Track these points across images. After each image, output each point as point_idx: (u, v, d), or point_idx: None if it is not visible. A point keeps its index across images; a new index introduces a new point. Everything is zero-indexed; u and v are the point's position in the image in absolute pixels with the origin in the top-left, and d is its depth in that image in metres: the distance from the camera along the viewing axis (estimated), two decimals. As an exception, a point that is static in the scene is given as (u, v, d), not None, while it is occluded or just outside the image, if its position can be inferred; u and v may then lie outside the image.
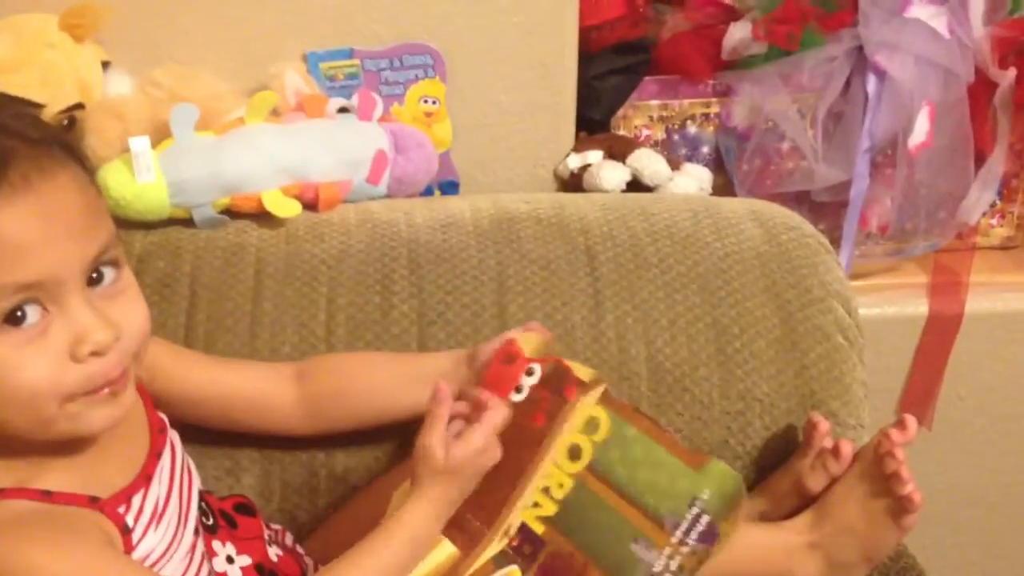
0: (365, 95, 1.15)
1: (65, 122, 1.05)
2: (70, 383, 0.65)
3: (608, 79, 1.25)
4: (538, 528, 0.76)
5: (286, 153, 1.05)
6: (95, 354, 0.65)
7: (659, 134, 1.30)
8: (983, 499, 1.43)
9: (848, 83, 1.25)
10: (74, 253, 0.65)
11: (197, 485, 0.80)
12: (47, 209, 0.63)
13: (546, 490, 0.77)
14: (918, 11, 1.25)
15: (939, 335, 1.30)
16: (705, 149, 1.31)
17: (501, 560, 0.75)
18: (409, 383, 0.88)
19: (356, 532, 0.75)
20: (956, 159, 1.28)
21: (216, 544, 0.78)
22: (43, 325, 0.64)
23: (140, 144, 0.97)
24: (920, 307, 1.30)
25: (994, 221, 1.37)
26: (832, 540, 0.89)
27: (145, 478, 0.74)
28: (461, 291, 1.02)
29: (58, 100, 1.03)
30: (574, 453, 0.78)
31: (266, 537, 0.84)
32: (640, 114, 1.29)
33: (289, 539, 0.89)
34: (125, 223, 1.00)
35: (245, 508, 0.85)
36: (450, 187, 1.25)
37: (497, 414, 0.76)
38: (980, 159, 1.29)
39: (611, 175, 1.19)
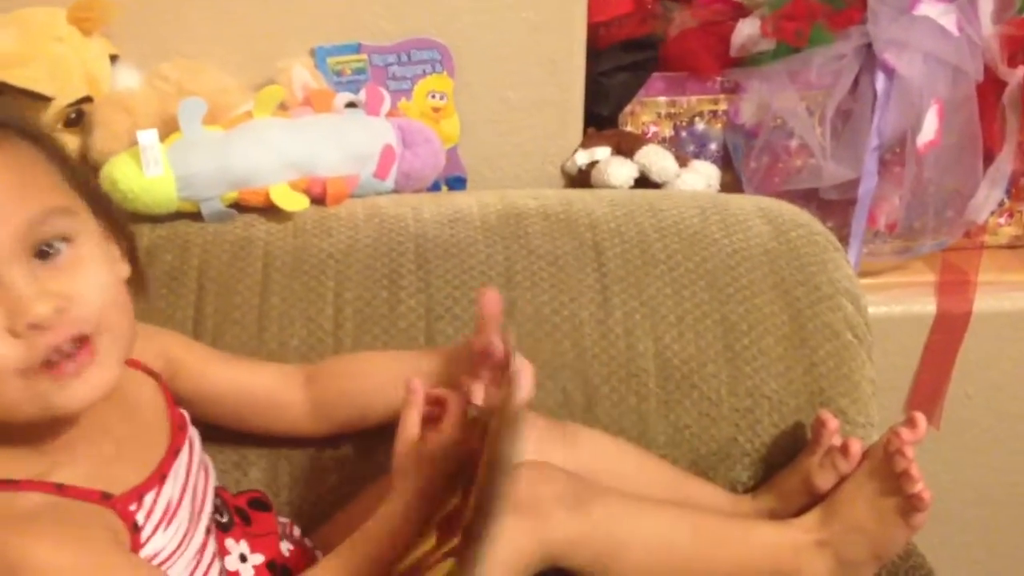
0: (373, 90, 1.14)
1: (73, 115, 1.04)
2: (15, 358, 0.64)
3: (616, 75, 1.25)
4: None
5: (294, 147, 1.04)
6: (36, 327, 0.64)
7: (667, 131, 1.30)
8: (990, 497, 1.42)
9: (857, 81, 1.25)
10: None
11: (213, 483, 0.80)
12: None
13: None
14: (927, 8, 1.25)
15: (947, 334, 1.30)
16: (713, 146, 1.31)
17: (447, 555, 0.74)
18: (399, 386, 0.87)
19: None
20: (965, 157, 1.27)
21: (229, 542, 0.78)
22: None
23: (148, 137, 0.97)
24: (928, 306, 1.30)
25: (1002, 220, 1.37)
26: (841, 538, 0.89)
27: (160, 476, 0.74)
28: (469, 286, 1.02)
29: (66, 93, 1.03)
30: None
31: (278, 532, 0.84)
32: (648, 111, 1.29)
33: (297, 532, 0.89)
34: (133, 216, 1.00)
35: (260, 503, 0.85)
36: (457, 182, 1.24)
37: (455, 404, 0.77)
38: (989, 157, 1.28)
39: (619, 171, 1.19)
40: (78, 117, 1.05)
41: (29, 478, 0.67)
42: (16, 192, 0.66)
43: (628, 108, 1.28)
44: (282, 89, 1.08)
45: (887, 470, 0.88)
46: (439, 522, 0.74)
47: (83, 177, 0.74)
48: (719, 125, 1.30)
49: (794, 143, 1.26)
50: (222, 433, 0.91)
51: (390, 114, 1.15)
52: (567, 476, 0.83)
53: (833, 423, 0.93)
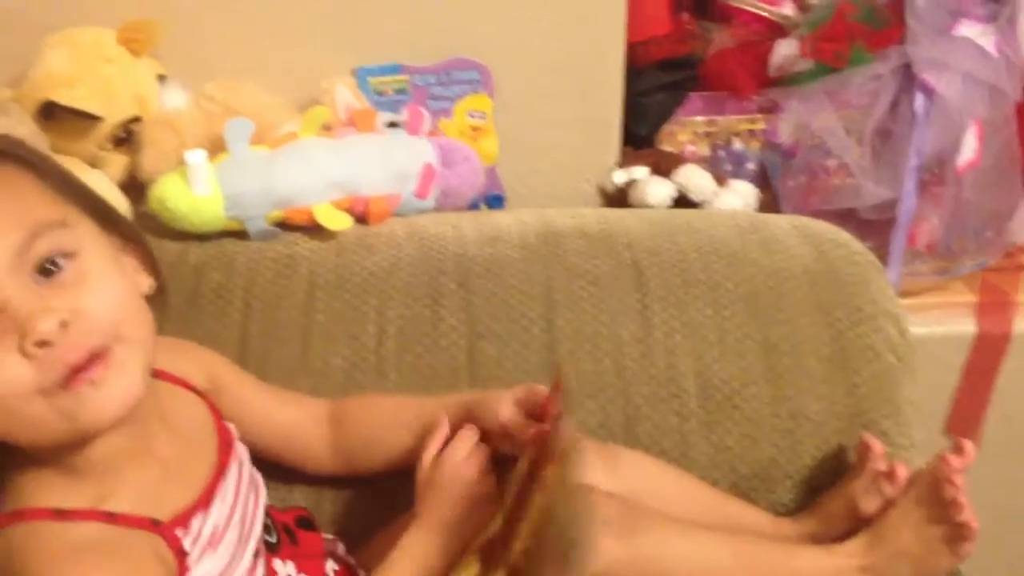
0: (414, 110, 1.15)
1: (123, 135, 1.06)
2: (30, 378, 0.64)
3: (654, 95, 1.26)
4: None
5: (337, 167, 1.06)
6: (44, 344, 0.64)
7: (704, 150, 1.31)
8: (1032, 520, 1.42)
9: (895, 101, 1.25)
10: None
11: (263, 501, 0.81)
12: None
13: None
14: (966, 29, 1.25)
15: (987, 354, 1.29)
16: (750, 165, 1.31)
17: None
18: (419, 430, 0.88)
19: None
20: (1004, 177, 1.27)
21: (277, 563, 0.79)
22: None
23: (197, 157, 0.99)
24: (968, 326, 1.29)
25: (1042, 240, 1.37)
26: (885, 565, 0.88)
27: (207, 499, 0.74)
28: (509, 305, 1.02)
29: (116, 113, 1.04)
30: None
31: (324, 551, 0.84)
32: (685, 130, 1.30)
33: (341, 549, 0.90)
34: (180, 234, 1.01)
35: (306, 522, 0.86)
36: (496, 201, 1.25)
37: (470, 434, 0.81)
38: (1028, 178, 1.28)
39: (657, 191, 1.19)
40: (127, 137, 1.07)
41: (81, 507, 0.68)
42: (7, 213, 0.66)
43: (666, 127, 1.29)
44: (327, 110, 1.09)
45: (934, 497, 0.87)
46: (480, 548, 0.75)
47: (84, 192, 0.74)
48: (757, 144, 1.31)
49: (832, 162, 1.27)
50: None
51: (430, 133, 1.16)
52: (614, 502, 0.83)
53: (878, 447, 0.93)
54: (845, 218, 1.28)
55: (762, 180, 1.31)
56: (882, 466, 0.92)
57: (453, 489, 0.79)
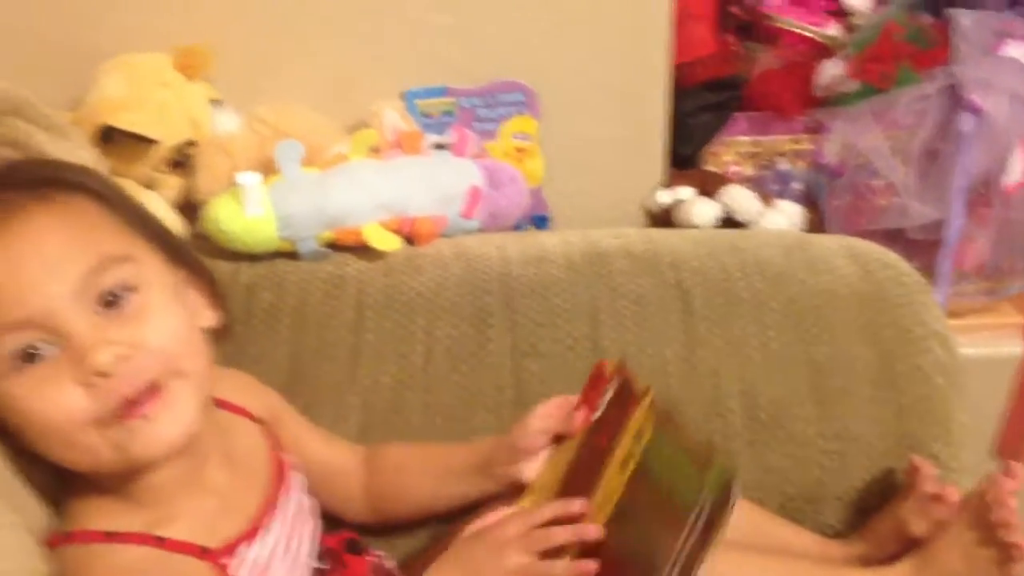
0: (460, 132, 1.17)
1: (178, 158, 1.08)
2: (86, 409, 0.66)
3: (699, 115, 1.26)
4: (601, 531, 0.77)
5: (386, 188, 1.07)
6: (101, 375, 0.65)
7: (749, 170, 1.31)
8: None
9: (942, 121, 1.24)
10: (52, 283, 0.66)
11: (315, 529, 0.81)
12: (11, 250, 0.66)
13: (604, 499, 0.78)
14: (1012, 50, 1.24)
15: (1036, 376, 1.28)
16: (796, 185, 1.31)
17: None
18: (442, 476, 0.89)
19: None
20: (1052, 198, 1.26)
21: None
22: (57, 360, 0.66)
23: (250, 179, 1.00)
24: (1015, 347, 1.28)
25: (1091, 260, 1.35)
26: None
27: (255, 529, 0.75)
28: (554, 324, 1.03)
29: (171, 136, 1.07)
30: (625, 464, 0.79)
31: (371, 561, 0.85)
32: (730, 150, 1.30)
33: (392, 564, 0.90)
34: (233, 254, 1.03)
35: (354, 545, 0.86)
36: (541, 221, 1.26)
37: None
38: (1077, 198, 1.27)
39: (702, 211, 1.20)
40: (182, 159, 1.09)
41: (132, 531, 0.69)
42: (72, 245, 0.68)
43: (710, 148, 1.29)
44: (375, 132, 1.11)
45: (984, 519, 0.86)
46: None
47: (153, 226, 0.76)
48: (803, 165, 1.31)
49: (879, 183, 1.26)
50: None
51: (476, 155, 1.18)
52: None
53: (928, 469, 0.92)
54: (892, 238, 1.27)
55: (808, 200, 1.30)
56: (932, 488, 0.91)
57: (488, 547, 0.74)
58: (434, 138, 1.17)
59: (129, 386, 0.66)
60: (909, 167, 1.24)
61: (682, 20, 1.22)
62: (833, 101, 1.26)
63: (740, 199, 1.21)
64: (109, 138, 1.03)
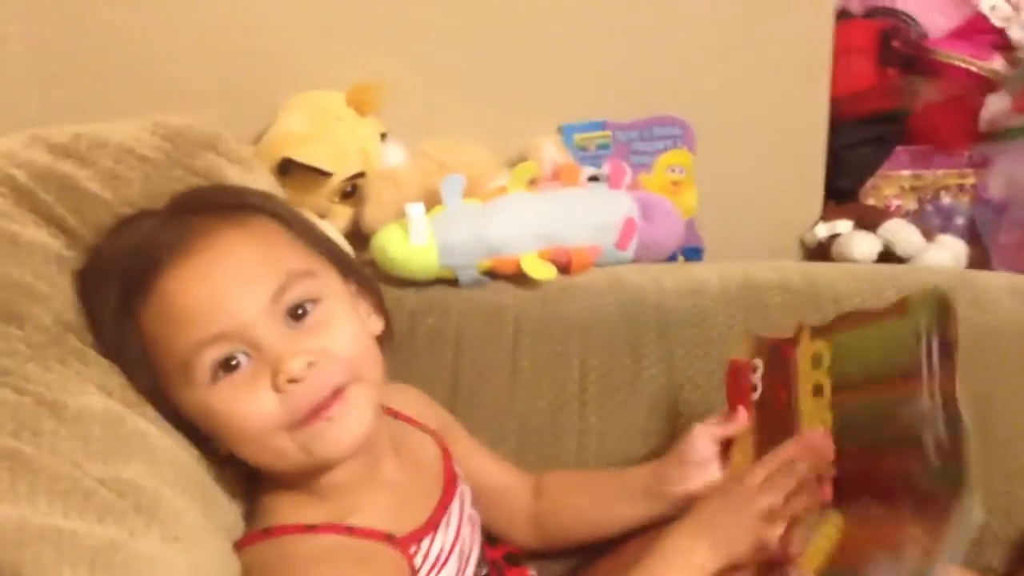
0: (615, 164, 1.19)
1: (348, 189, 1.14)
2: (279, 413, 0.70)
3: (859, 149, 1.25)
4: (830, 470, 0.75)
5: (543, 219, 1.10)
6: (293, 381, 0.69)
7: (910, 204, 1.29)
8: None
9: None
10: (247, 298, 0.71)
11: (479, 538, 0.84)
12: (209, 268, 0.71)
13: None
14: None
15: None
16: (959, 221, 1.28)
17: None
18: (614, 498, 0.90)
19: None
20: None
21: None
22: (252, 369, 0.70)
23: (416, 210, 1.05)
24: None
25: None
26: None
27: (434, 524, 0.79)
28: (710, 356, 1.03)
29: (344, 169, 1.13)
30: (818, 391, 0.79)
31: (526, 577, 0.88)
32: (891, 184, 1.28)
33: (544, 583, 0.93)
34: (398, 281, 1.08)
35: (513, 558, 0.89)
36: (693, 253, 1.27)
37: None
38: None
39: (862, 245, 1.18)
40: (352, 190, 1.15)
41: (324, 522, 0.73)
42: (264, 263, 0.73)
43: (870, 182, 1.28)
44: (534, 165, 1.15)
45: None
46: None
47: (327, 243, 0.81)
48: (966, 199, 1.28)
49: (1049, 219, 1.23)
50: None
51: (630, 187, 1.20)
52: None
53: None
54: (1062, 276, 1.23)
55: (971, 236, 1.27)
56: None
57: (742, 500, 0.75)
58: (590, 171, 1.19)
59: (316, 392, 0.71)
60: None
61: (842, 53, 1.22)
62: (998, 135, 1.23)
63: (901, 233, 1.19)
64: (287, 170, 1.10)
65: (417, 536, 0.76)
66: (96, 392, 0.68)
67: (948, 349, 0.73)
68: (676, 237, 1.19)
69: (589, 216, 1.12)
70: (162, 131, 0.87)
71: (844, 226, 1.22)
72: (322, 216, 1.14)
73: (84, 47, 1.16)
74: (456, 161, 1.15)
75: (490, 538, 0.89)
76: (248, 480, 0.78)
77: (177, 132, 0.88)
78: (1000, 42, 1.32)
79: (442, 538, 0.79)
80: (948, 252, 1.20)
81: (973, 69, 1.29)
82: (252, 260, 0.73)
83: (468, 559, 0.82)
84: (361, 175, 1.15)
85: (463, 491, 0.85)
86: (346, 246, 1.13)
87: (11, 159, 0.79)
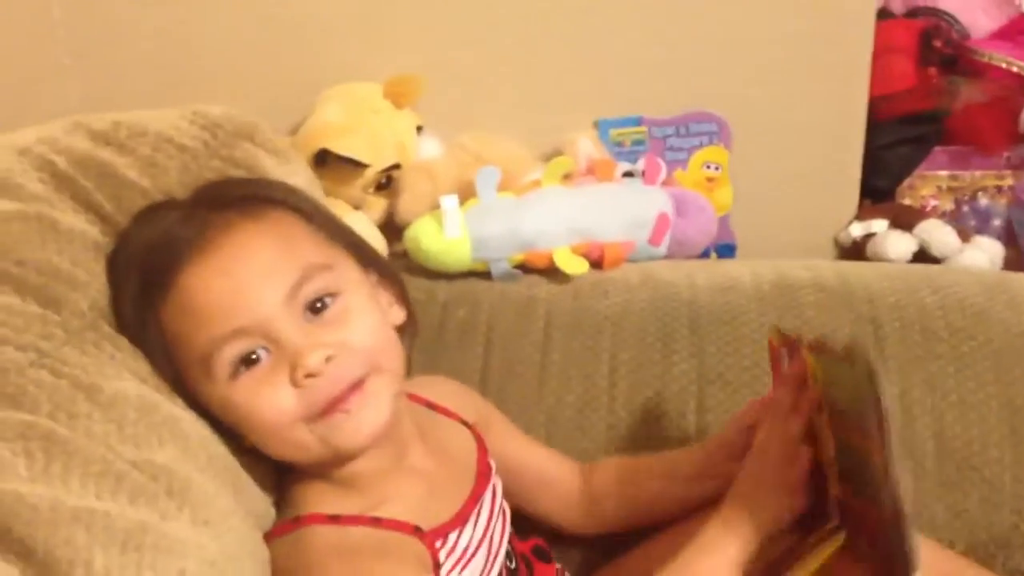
0: (651, 160, 1.19)
1: (384, 180, 1.15)
2: (297, 407, 0.71)
3: (896, 148, 1.24)
4: (835, 490, 0.75)
5: (577, 214, 1.10)
6: (311, 375, 0.70)
7: (947, 205, 1.28)
8: None
9: None
10: (265, 292, 0.71)
11: (508, 531, 0.85)
12: (228, 263, 0.72)
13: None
14: None
15: None
16: (996, 222, 1.27)
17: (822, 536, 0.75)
18: (671, 481, 0.90)
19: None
20: None
21: None
22: (271, 363, 0.71)
23: (451, 203, 1.06)
24: None
25: None
26: None
27: (463, 518, 0.79)
28: (741, 353, 1.03)
29: (380, 161, 1.13)
30: (820, 411, 0.77)
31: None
32: (928, 184, 1.27)
33: (568, 577, 0.93)
34: (431, 273, 1.09)
35: (541, 552, 0.89)
36: (727, 250, 1.27)
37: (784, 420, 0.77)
38: None
39: (897, 245, 1.17)
40: (388, 182, 1.16)
41: (351, 513, 0.74)
42: (282, 257, 0.73)
43: (907, 181, 1.27)
44: (569, 159, 1.15)
45: None
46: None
47: (347, 234, 0.82)
48: (1003, 201, 1.26)
49: (1088, 221, 1.21)
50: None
51: (665, 183, 1.19)
52: None
53: None
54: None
55: (1008, 237, 1.26)
56: None
57: (774, 474, 0.75)
58: (625, 166, 1.19)
59: (335, 385, 0.71)
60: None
61: (882, 53, 1.21)
62: (1040, 137, 1.22)
63: (937, 234, 1.18)
64: (323, 161, 1.11)
65: (444, 530, 0.77)
66: (131, 377, 0.70)
67: (880, 420, 0.68)
68: (709, 234, 1.19)
69: (623, 211, 1.13)
70: (201, 120, 0.88)
71: (879, 225, 1.21)
72: (357, 207, 1.15)
73: (125, 37, 1.18)
74: (492, 154, 1.16)
75: (519, 530, 0.89)
76: (278, 470, 0.79)
77: (215, 122, 0.89)
78: (1044, 42, 1.31)
79: (470, 532, 0.79)
80: (984, 253, 1.18)
81: (1015, 70, 1.27)
82: (270, 255, 0.73)
83: (496, 554, 0.82)
84: (397, 167, 1.15)
85: (495, 484, 0.85)
86: (379, 238, 1.14)
87: (52, 145, 0.80)
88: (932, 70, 1.29)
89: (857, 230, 1.23)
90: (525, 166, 1.16)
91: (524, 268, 1.10)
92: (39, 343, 0.67)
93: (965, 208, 1.27)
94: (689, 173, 1.24)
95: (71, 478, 0.60)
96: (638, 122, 1.24)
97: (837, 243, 1.27)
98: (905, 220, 1.21)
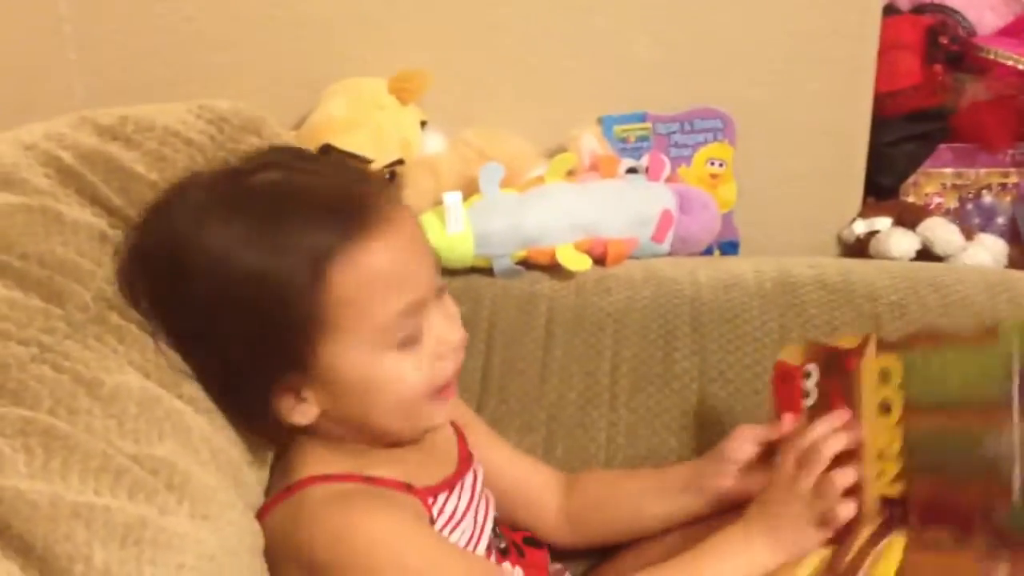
0: (655, 157, 1.19)
1: (387, 175, 1.16)
2: (432, 381, 0.75)
3: (901, 146, 1.24)
4: (893, 491, 0.75)
5: (580, 210, 1.11)
6: (455, 350, 0.76)
7: (951, 203, 1.27)
8: None
9: None
10: (429, 270, 0.75)
11: (492, 515, 0.85)
12: (406, 237, 0.74)
13: (880, 455, 0.76)
14: None
15: None
16: (1000, 220, 1.27)
17: (877, 537, 0.74)
18: (654, 493, 0.90)
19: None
20: None
21: (506, 565, 0.83)
22: (419, 337, 0.74)
23: (453, 198, 1.06)
24: None
25: None
26: None
27: (450, 484, 0.80)
28: (743, 351, 1.03)
29: (383, 156, 1.14)
30: (884, 408, 0.77)
31: (551, 571, 0.88)
32: (932, 182, 1.27)
33: (568, 576, 0.93)
34: (433, 269, 1.09)
35: (533, 541, 0.90)
36: (730, 247, 1.27)
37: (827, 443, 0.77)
38: None
39: (900, 242, 1.17)
40: (391, 177, 1.16)
41: (343, 472, 0.75)
42: (427, 241, 0.77)
43: (911, 179, 1.26)
44: (573, 156, 1.15)
45: None
46: None
47: None
48: (1008, 198, 1.26)
49: (1093, 219, 1.21)
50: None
51: (669, 179, 1.19)
52: None
53: None
54: (1106, 279, 1.21)
55: (1012, 236, 1.26)
56: None
57: (815, 503, 0.75)
58: (629, 162, 1.20)
59: (453, 370, 0.77)
60: None
61: (888, 49, 1.21)
62: (1045, 133, 1.22)
63: (940, 232, 1.18)
64: (327, 155, 1.11)
65: (435, 490, 0.78)
66: (133, 371, 0.70)
67: None
68: (713, 231, 1.19)
69: (626, 208, 1.13)
70: (207, 115, 0.89)
71: (883, 223, 1.21)
72: (361, 202, 1.16)
73: (131, 33, 1.18)
74: (495, 150, 1.16)
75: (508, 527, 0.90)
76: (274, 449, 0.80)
77: (222, 116, 0.89)
78: (1052, 40, 1.30)
79: (456, 499, 0.80)
80: (988, 251, 1.18)
81: (1021, 67, 1.27)
82: (423, 235, 0.77)
83: (483, 526, 0.83)
84: (400, 162, 1.15)
85: (477, 469, 0.86)
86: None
87: (59, 141, 0.80)
88: (938, 67, 1.29)
89: (860, 227, 1.23)
90: (529, 162, 1.16)
91: (527, 264, 1.11)
92: (41, 337, 0.68)
93: (969, 206, 1.27)
94: (693, 170, 1.24)
95: (70, 474, 0.60)
96: (642, 118, 1.24)
97: (841, 240, 1.27)
98: (909, 218, 1.21)
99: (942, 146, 1.25)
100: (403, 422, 0.76)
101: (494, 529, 0.85)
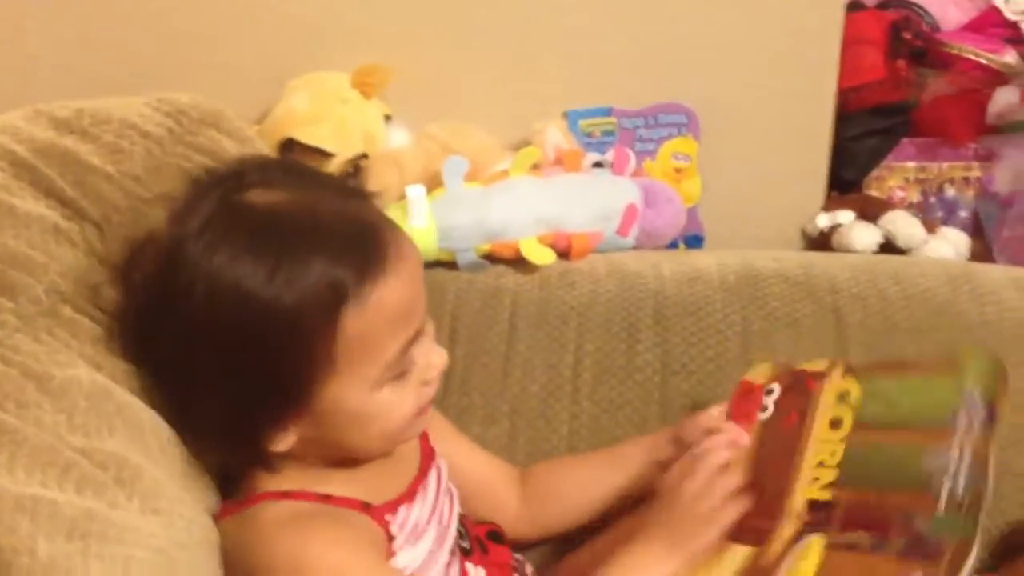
0: (620, 151, 1.19)
1: (350, 169, 1.15)
2: (418, 406, 0.75)
3: (865, 140, 1.25)
4: (824, 496, 0.76)
5: (544, 204, 1.11)
6: (438, 375, 0.76)
7: (914, 196, 1.28)
8: None
9: None
10: (424, 300, 0.75)
11: (457, 510, 0.86)
12: (411, 271, 0.74)
13: (820, 464, 0.78)
14: None
15: None
16: (963, 213, 1.28)
17: (799, 536, 0.75)
18: (607, 471, 0.91)
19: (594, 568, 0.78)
20: None
21: (469, 566, 0.83)
22: (411, 367, 0.74)
23: (416, 192, 1.06)
24: None
25: None
26: None
27: (411, 493, 0.80)
28: (705, 344, 1.04)
29: (347, 150, 1.14)
30: (835, 424, 0.79)
31: (513, 565, 0.88)
32: (895, 175, 1.28)
33: (529, 570, 0.93)
34: (397, 263, 1.09)
35: (495, 536, 0.90)
36: (694, 241, 1.27)
37: (714, 454, 0.79)
38: None
39: (863, 236, 1.18)
40: (354, 171, 1.16)
41: (298, 489, 0.75)
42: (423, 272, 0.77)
43: (875, 173, 1.27)
44: (537, 150, 1.15)
45: None
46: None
47: None
48: (970, 192, 1.27)
49: (1054, 214, 1.22)
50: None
51: (634, 174, 1.20)
52: None
53: None
54: (1066, 272, 1.22)
55: (974, 229, 1.27)
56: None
57: (699, 503, 0.77)
58: (594, 157, 1.20)
59: (436, 387, 0.77)
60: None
61: (852, 44, 1.22)
62: (1006, 129, 1.23)
63: (902, 225, 1.18)
64: (290, 150, 1.11)
65: (393, 505, 0.78)
66: (84, 364, 0.70)
67: (992, 416, 0.73)
68: (677, 225, 1.19)
69: (591, 202, 1.13)
70: (165, 108, 0.88)
71: (846, 216, 1.22)
72: (324, 196, 1.15)
73: (93, 27, 1.17)
74: (460, 144, 1.16)
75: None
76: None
77: (180, 109, 0.88)
78: (1013, 36, 1.31)
79: (419, 508, 0.80)
80: (950, 244, 1.19)
81: (983, 62, 1.28)
82: (421, 263, 0.77)
83: (447, 528, 0.83)
84: (364, 156, 1.15)
85: (440, 464, 0.86)
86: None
87: (14, 134, 0.80)
88: (901, 62, 1.30)
89: (824, 221, 1.24)
90: (493, 156, 1.16)
91: (491, 258, 1.11)
92: (-10, 331, 0.67)
93: (932, 199, 1.28)
94: (658, 164, 1.25)
95: (16, 467, 0.59)
96: (607, 113, 1.24)
97: (805, 234, 1.27)
98: (871, 211, 1.22)
99: (905, 140, 1.26)
100: (383, 445, 0.77)
101: (459, 528, 0.85)
